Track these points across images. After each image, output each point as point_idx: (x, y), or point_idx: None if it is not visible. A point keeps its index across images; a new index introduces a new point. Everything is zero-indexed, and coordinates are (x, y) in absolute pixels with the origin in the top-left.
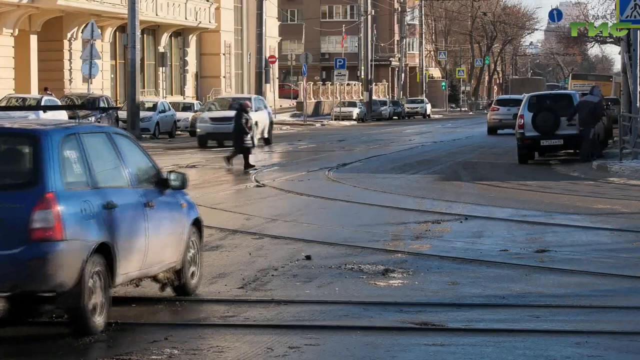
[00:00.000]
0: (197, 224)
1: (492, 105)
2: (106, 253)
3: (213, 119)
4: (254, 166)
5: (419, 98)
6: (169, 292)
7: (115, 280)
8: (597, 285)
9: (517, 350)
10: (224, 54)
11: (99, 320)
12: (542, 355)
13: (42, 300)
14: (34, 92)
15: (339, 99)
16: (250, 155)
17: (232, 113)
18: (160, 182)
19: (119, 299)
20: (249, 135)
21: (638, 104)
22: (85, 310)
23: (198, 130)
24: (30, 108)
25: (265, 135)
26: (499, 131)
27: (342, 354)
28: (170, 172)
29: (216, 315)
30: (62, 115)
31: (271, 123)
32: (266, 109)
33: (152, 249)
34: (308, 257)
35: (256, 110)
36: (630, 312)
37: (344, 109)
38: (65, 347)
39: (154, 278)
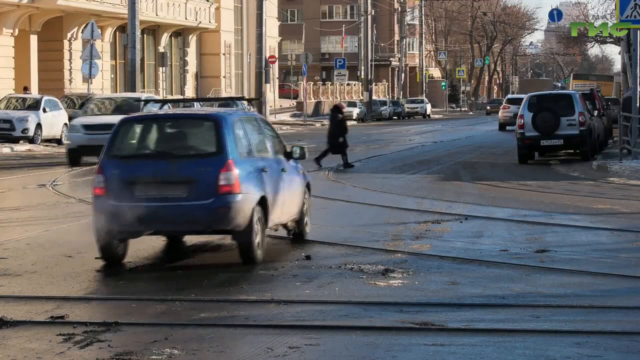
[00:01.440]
0: (308, 186)
1: (503, 104)
2: (263, 204)
3: (88, 127)
4: (353, 165)
5: (419, 98)
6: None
7: (267, 225)
8: (597, 285)
9: (517, 350)
10: (224, 54)
11: (259, 253)
12: (542, 355)
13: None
14: (34, 92)
15: (339, 99)
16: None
17: (114, 119)
18: (286, 154)
19: (117, 299)
20: (345, 136)
21: (638, 104)
22: (253, 245)
23: (67, 142)
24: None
25: None
26: (508, 127)
27: (342, 354)
28: (293, 146)
29: (216, 315)
30: (63, 116)
31: None
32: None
33: (286, 203)
34: (308, 257)
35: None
36: (630, 312)
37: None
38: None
39: (284, 225)
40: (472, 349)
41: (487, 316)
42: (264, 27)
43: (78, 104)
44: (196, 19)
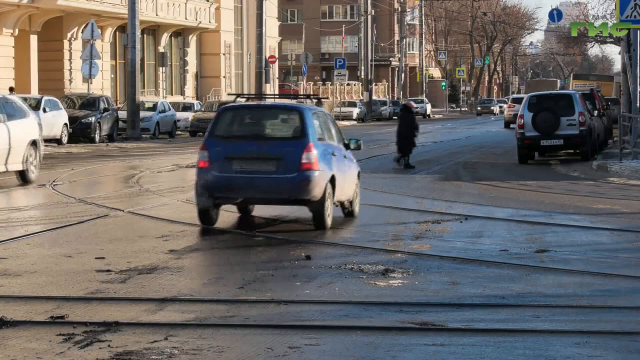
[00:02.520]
0: (359, 174)
1: (509, 103)
2: (332, 182)
3: None
4: (414, 167)
5: (419, 98)
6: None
7: (333, 199)
8: (597, 285)
9: (517, 350)
10: (224, 54)
11: (329, 221)
12: (542, 355)
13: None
14: (34, 92)
15: (339, 99)
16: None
17: None
18: (345, 145)
19: (117, 299)
20: (416, 136)
21: (638, 104)
22: (325, 213)
23: None
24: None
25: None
26: (512, 125)
27: (342, 354)
28: (350, 139)
29: (216, 315)
30: (63, 116)
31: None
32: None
33: (346, 184)
34: (308, 257)
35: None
36: (630, 312)
37: (344, 109)
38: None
39: (341, 203)
40: (472, 349)
41: (487, 316)
42: (264, 27)
43: (78, 104)
44: (196, 19)
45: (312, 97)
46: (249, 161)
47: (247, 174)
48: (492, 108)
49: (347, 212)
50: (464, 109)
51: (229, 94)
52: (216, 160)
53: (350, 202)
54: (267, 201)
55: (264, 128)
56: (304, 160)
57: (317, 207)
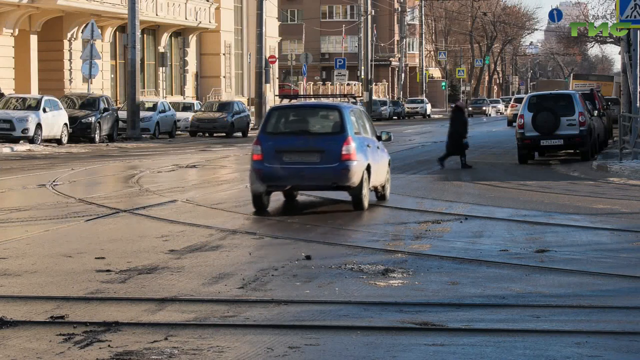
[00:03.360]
0: (389, 162)
1: (512, 102)
2: (368, 169)
3: None
4: (471, 166)
5: (419, 98)
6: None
7: (368, 185)
8: (597, 285)
9: (517, 350)
10: (224, 54)
11: (365, 203)
12: (542, 355)
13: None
14: (34, 92)
15: (338, 99)
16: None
17: None
18: (377, 137)
19: (117, 299)
20: (466, 136)
21: (638, 104)
22: (362, 197)
23: None
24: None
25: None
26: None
27: (342, 354)
28: (382, 132)
29: (216, 315)
30: (63, 116)
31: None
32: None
33: (379, 171)
34: (308, 257)
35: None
36: (630, 312)
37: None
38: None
39: (375, 188)
40: (472, 349)
41: (487, 316)
42: (264, 27)
43: (78, 104)
44: (196, 19)
45: (348, 96)
46: (296, 154)
47: (295, 164)
48: (484, 108)
49: (379, 195)
50: None
51: (280, 97)
52: (268, 153)
53: (383, 187)
54: (312, 188)
55: (309, 125)
56: (343, 152)
57: (356, 191)
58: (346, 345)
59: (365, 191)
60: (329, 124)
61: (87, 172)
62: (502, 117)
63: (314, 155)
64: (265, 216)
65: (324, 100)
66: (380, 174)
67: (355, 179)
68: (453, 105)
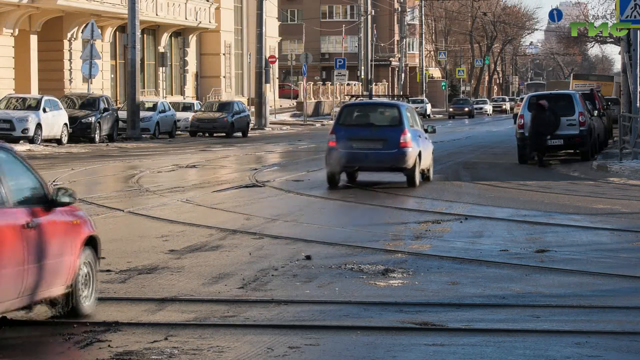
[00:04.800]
0: (433, 150)
1: (517, 102)
2: (419, 155)
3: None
4: (546, 166)
5: (419, 98)
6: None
7: (419, 167)
8: (597, 285)
9: (517, 350)
10: (224, 54)
11: (417, 181)
12: (542, 355)
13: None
14: (34, 92)
15: (339, 99)
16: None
17: None
18: (425, 129)
19: (117, 299)
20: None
21: (638, 104)
22: (416, 177)
23: None
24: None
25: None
26: None
27: (342, 354)
28: (428, 125)
29: (216, 315)
30: (63, 116)
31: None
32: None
33: (426, 157)
34: (308, 257)
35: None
36: (630, 312)
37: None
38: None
39: (422, 171)
40: (472, 349)
41: (487, 316)
42: (264, 27)
43: (78, 104)
44: (196, 19)
45: (402, 96)
46: (363, 141)
47: (363, 150)
48: (466, 109)
49: (425, 177)
50: None
51: (349, 96)
52: (341, 141)
53: (428, 170)
54: (376, 169)
55: (373, 118)
56: (401, 141)
57: (410, 172)
58: (346, 345)
59: (417, 172)
60: (389, 118)
61: (87, 172)
62: (505, 117)
63: (378, 143)
64: (263, 216)
65: (384, 99)
66: (427, 159)
67: (410, 162)
68: (537, 104)
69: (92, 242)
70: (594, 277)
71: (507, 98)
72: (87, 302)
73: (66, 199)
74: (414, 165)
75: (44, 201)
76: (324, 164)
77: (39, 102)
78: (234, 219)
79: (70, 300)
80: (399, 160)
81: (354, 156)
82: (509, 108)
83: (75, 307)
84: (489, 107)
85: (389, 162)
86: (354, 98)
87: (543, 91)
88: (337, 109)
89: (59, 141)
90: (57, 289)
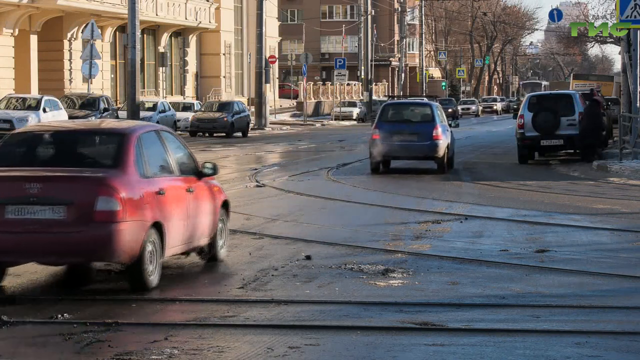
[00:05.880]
0: (454, 141)
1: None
2: (447, 146)
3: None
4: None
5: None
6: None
7: (448, 156)
8: (597, 285)
9: (517, 350)
10: (224, 54)
11: (447, 169)
12: (542, 355)
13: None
14: (34, 92)
15: (339, 99)
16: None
17: None
18: (449, 124)
19: (119, 299)
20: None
21: (638, 104)
22: (445, 165)
23: None
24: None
25: None
26: None
27: (342, 354)
28: (451, 120)
29: (216, 315)
30: (63, 116)
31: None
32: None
33: (452, 149)
34: (308, 257)
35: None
36: (630, 312)
37: (344, 109)
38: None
39: (448, 160)
40: (472, 349)
41: (487, 316)
42: (264, 27)
43: (78, 104)
44: (196, 19)
45: (433, 97)
46: (401, 135)
47: (401, 142)
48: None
49: (450, 164)
50: None
51: (388, 97)
52: (383, 135)
53: (451, 159)
54: (412, 158)
55: (410, 115)
56: (434, 134)
57: (441, 161)
58: (346, 345)
59: (446, 161)
60: (423, 115)
61: None
62: (505, 117)
63: (414, 136)
64: (263, 216)
65: (417, 99)
66: (452, 151)
67: (440, 153)
68: (590, 100)
69: (225, 204)
70: (594, 277)
71: (498, 98)
72: (222, 250)
73: (211, 171)
74: (444, 155)
75: (195, 172)
76: (314, 166)
77: (39, 102)
78: (234, 218)
79: (212, 249)
80: (432, 151)
81: (394, 147)
82: (500, 109)
83: (214, 255)
84: (476, 108)
85: (424, 152)
86: (394, 98)
87: (540, 91)
88: (337, 109)
89: None
90: (204, 240)
